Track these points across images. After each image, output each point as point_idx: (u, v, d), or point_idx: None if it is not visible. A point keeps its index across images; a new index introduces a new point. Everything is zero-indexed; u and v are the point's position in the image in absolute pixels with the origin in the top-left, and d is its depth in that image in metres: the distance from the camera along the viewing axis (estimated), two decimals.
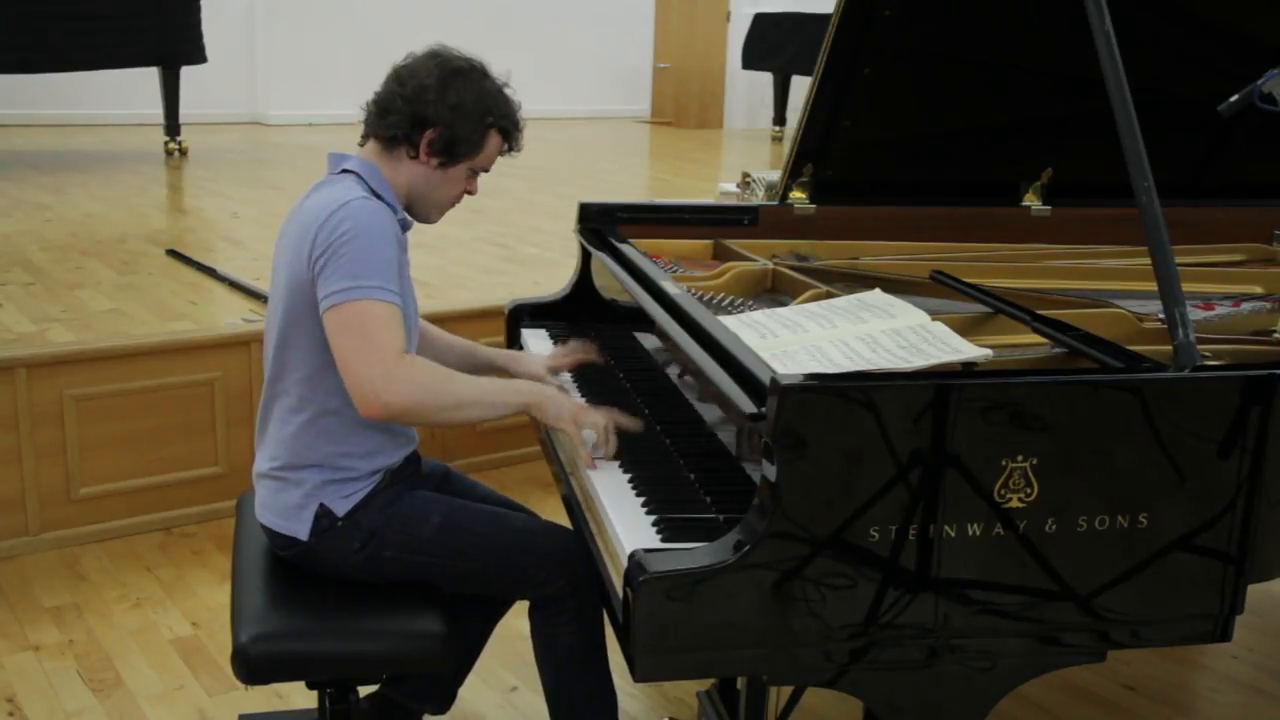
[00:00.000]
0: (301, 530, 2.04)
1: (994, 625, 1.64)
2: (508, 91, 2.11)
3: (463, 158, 2.07)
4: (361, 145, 2.11)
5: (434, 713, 2.41)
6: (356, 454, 2.04)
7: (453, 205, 2.17)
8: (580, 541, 2.03)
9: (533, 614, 2.10)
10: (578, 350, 2.39)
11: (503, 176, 2.18)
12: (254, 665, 1.94)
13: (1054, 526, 1.60)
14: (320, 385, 2.01)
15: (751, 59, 10.25)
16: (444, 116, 2.02)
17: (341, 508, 2.03)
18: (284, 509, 2.05)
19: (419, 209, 2.13)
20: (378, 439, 2.06)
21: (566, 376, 2.40)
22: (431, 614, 2.01)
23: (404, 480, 2.12)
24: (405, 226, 2.09)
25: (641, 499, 1.85)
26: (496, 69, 2.12)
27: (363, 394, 1.89)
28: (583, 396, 2.30)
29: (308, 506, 2.03)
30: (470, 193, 2.16)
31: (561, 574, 2.04)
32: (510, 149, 2.15)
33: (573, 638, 2.07)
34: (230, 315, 3.88)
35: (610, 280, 2.45)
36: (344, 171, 2.07)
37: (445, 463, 2.39)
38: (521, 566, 2.06)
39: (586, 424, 2.02)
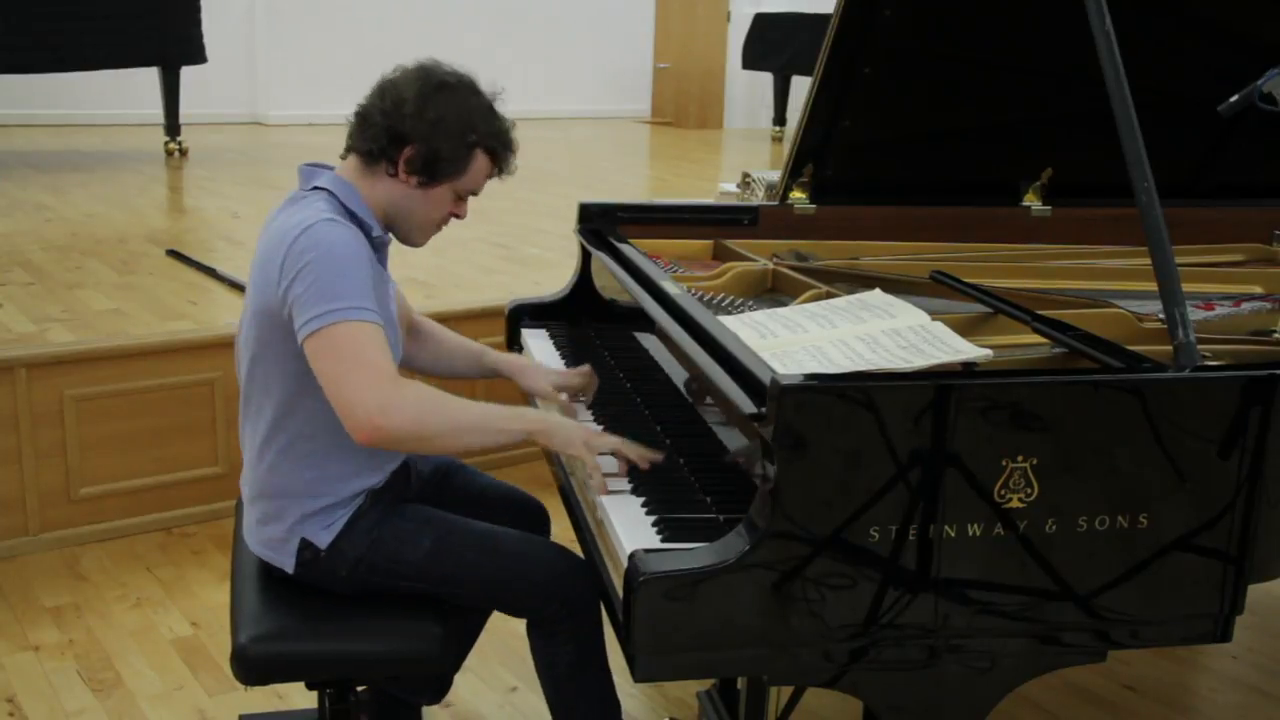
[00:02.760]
0: (287, 563, 2.01)
1: (994, 625, 1.64)
2: (498, 108, 2.00)
3: (444, 178, 1.96)
4: (343, 158, 2.02)
5: (428, 703, 2.40)
6: (335, 478, 1.98)
7: (437, 228, 2.05)
8: (576, 562, 2.03)
9: (530, 633, 2.09)
10: (587, 376, 2.28)
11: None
12: (253, 666, 1.94)
13: (1054, 526, 1.60)
14: (295, 411, 1.95)
15: (751, 59, 10.25)
16: (422, 133, 1.91)
17: (324, 539, 1.99)
18: (267, 541, 2.03)
19: (399, 229, 2.03)
20: (358, 460, 1.99)
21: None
22: (429, 614, 2.01)
23: (388, 500, 2.06)
24: (381, 245, 2.01)
25: (641, 499, 1.84)
26: (486, 81, 2.01)
27: (358, 421, 1.78)
28: (589, 410, 2.28)
29: (290, 540, 2.00)
30: (458, 216, 2.05)
31: (556, 598, 2.01)
32: (500, 171, 2.03)
33: (571, 657, 2.04)
34: (230, 315, 3.87)
35: (610, 280, 2.45)
36: (315, 189, 1.97)
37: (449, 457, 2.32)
38: (515, 592, 2.03)
39: (599, 448, 1.92)
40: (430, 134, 1.92)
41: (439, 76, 1.96)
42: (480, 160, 1.98)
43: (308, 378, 1.87)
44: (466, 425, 1.87)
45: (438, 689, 2.40)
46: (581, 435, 1.94)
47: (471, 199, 2.06)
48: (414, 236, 2.05)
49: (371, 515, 2.01)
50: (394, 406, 1.78)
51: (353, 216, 1.95)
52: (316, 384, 1.85)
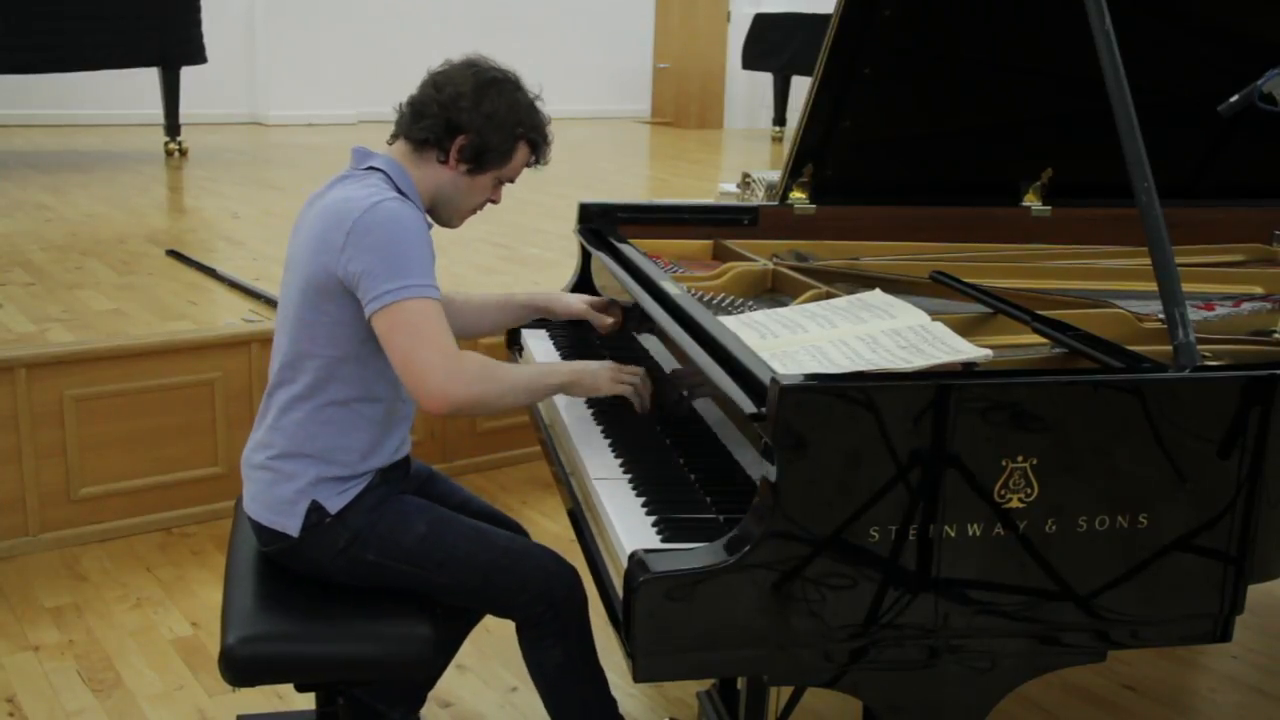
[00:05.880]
0: (292, 525, 2.03)
1: (994, 625, 1.64)
2: (539, 105, 2.14)
3: (490, 166, 2.09)
4: (390, 144, 2.12)
5: (402, 717, 2.39)
6: (355, 450, 2.04)
7: (474, 213, 2.18)
8: (563, 565, 2.07)
9: (519, 635, 2.11)
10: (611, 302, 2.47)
11: None
12: (241, 667, 1.94)
13: (1054, 526, 1.60)
14: (336, 375, 2.02)
15: (751, 59, 10.25)
16: (476, 124, 2.04)
17: (335, 504, 2.03)
18: (275, 503, 2.05)
19: (442, 213, 2.14)
20: (376, 438, 2.07)
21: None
22: (420, 617, 2.01)
23: (393, 482, 2.12)
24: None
25: (641, 499, 1.85)
26: (532, 82, 2.16)
27: (429, 391, 1.91)
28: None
29: (300, 502, 2.03)
30: (494, 202, 2.17)
31: (542, 599, 2.04)
32: (537, 161, 2.17)
33: (560, 659, 2.07)
34: (230, 315, 3.88)
35: (610, 280, 2.45)
36: (370, 169, 2.05)
37: (430, 465, 2.38)
38: (501, 587, 2.06)
39: (628, 380, 2.09)
40: (484, 126, 2.05)
41: (490, 73, 2.10)
42: (522, 151, 2.12)
43: (354, 344, 1.99)
44: (519, 387, 2.04)
45: (413, 703, 2.40)
46: (608, 374, 2.09)
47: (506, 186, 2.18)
48: (454, 220, 2.17)
49: (378, 493, 2.08)
50: (461, 377, 1.92)
51: (404, 198, 2.03)
52: (360, 351, 1.99)
